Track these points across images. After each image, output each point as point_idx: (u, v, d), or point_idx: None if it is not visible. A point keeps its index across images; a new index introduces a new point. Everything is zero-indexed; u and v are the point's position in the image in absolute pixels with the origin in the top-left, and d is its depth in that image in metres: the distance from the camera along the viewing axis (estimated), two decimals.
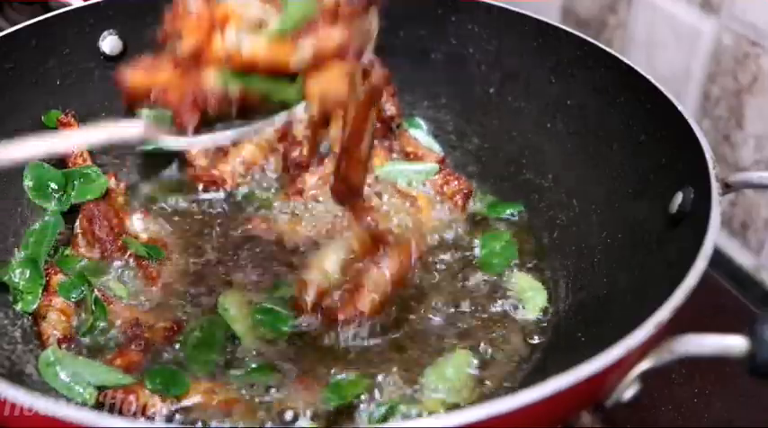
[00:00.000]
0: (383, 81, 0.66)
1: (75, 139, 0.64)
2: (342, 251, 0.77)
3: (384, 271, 0.75)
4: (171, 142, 0.61)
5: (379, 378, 0.70)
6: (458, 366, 0.72)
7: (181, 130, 0.60)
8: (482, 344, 0.75)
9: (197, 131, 0.60)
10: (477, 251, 0.87)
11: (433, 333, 0.76)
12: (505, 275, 0.84)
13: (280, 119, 0.63)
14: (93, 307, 0.75)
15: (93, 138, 0.61)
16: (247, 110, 0.62)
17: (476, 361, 0.73)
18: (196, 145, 0.64)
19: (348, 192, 0.72)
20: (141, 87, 0.60)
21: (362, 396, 0.68)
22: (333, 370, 0.71)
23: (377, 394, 0.69)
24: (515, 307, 0.80)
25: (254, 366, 0.72)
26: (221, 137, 0.63)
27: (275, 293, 0.79)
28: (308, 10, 0.60)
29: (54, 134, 0.64)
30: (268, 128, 0.64)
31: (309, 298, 0.75)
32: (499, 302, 0.81)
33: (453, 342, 0.76)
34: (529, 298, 0.81)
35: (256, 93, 0.60)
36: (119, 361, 0.71)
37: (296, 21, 0.59)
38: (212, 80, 0.59)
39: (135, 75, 0.60)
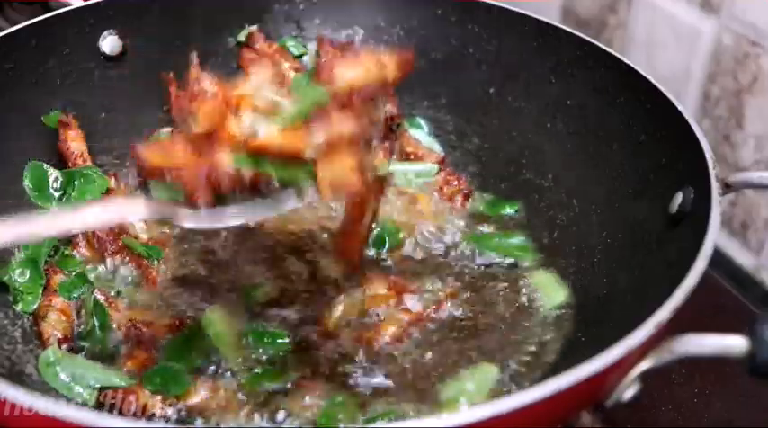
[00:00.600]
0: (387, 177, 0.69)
1: (77, 221, 0.64)
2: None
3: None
4: (187, 224, 0.64)
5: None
6: (480, 380, 0.70)
7: (193, 206, 0.62)
8: (500, 354, 0.75)
9: (208, 207, 0.62)
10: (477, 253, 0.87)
11: (444, 339, 0.76)
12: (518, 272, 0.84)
13: (291, 204, 0.65)
14: (92, 309, 0.75)
15: (97, 219, 0.63)
16: (259, 188, 0.64)
17: (498, 376, 0.71)
18: (208, 226, 0.66)
19: (346, 265, 0.74)
20: (157, 162, 0.62)
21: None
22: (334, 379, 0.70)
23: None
24: (531, 303, 0.80)
25: (257, 371, 0.71)
26: (233, 221, 0.65)
27: (253, 292, 0.79)
28: (321, 97, 0.62)
29: (58, 215, 0.66)
30: (278, 211, 0.66)
31: (335, 315, 0.76)
32: (509, 302, 0.80)
33: (467, 350, 0.74)
34: (547, 292, 0.81)
35: (268, 175, 0.63)
36: (130, 364, 0.71)
37: (309, 109, 0.61)
38: (226, 162, 0.61)
39: (152, 155, 0.63)
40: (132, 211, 0.65)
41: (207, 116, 0.61)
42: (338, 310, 0.76)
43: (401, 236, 0.87)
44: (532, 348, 0.75)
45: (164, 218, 0.65)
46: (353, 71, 0.63)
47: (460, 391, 0.69)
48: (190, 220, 0.64)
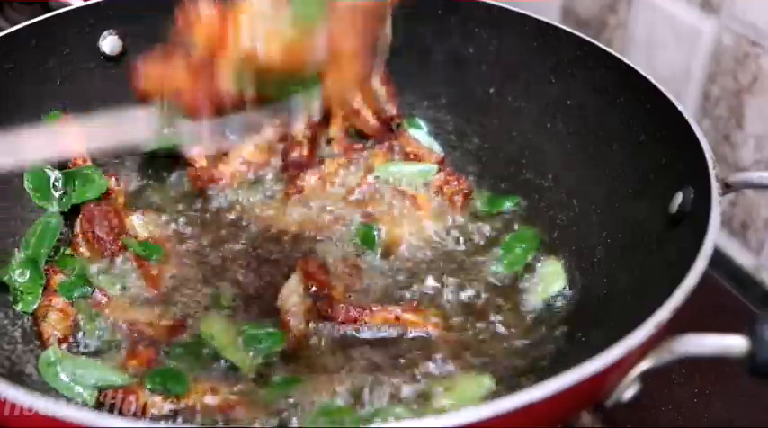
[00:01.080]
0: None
1: (83, 138, 0.63)
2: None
3: None
4: (182, 139, 0.63)
5: (376, 392, 0.70)
6: (473, 389, 0.70)
7: (193, 119, 0.60)
8: (484, 352, 0.75)
9: (210, 119, 0.60)
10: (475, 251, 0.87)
11: (434, 340, 0.76)
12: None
13: (293, 105, 0.63)
14: (91, 311, 0.76)
15: (103, 132, 0.62)
16: (261, 100, 0.62)
17: (493, 386, 0.70)
18: (212, 135, 0.63)
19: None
20: (155, 79, 0.61)
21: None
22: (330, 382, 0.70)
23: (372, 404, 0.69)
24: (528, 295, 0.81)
25: (277, 379, 0.71)
26: (233, 124, 0.62)
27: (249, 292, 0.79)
28: (321, 7, 0.59)
29: (60, 132, 0.64)
30: (280, 115, 0.64)
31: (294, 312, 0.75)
32: (507, 302, 0.80)
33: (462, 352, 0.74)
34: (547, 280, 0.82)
35: (270, 84, 0.61)
36: (134, 363, 0.71)
37: (311, 17, 0.59)
38: (226, 72, 0.59)
39: (149, 67, 0.61)
40: (140, 124, 0.62)
41: (206, 40, 0.60)
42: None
43: (397, 235, 0.87)
44: (528, 346, 0.75)
45: (169, 131, 0.63)
46: None
47: (454, 401, 0.69)
48: (193, 137, 0.63)
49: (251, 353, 0.72)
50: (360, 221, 0.89)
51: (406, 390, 0.70)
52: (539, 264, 0.84)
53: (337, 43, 0.59)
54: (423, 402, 0.68)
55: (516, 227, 0.90)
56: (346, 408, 0.67)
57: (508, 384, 0.71)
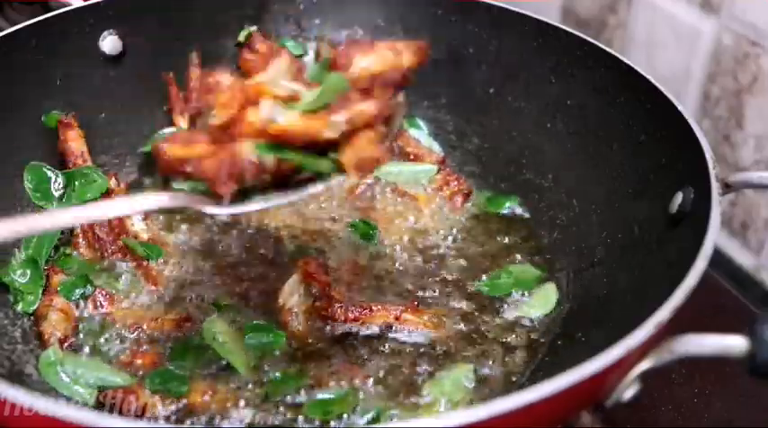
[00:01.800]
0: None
1: (98, 212, 0.64)
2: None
3: None
4: (211, 211, 0.63)
5: (373, 389, 0.70)
6: (456, 380, 0.71)
7: (218, 199, 0.61)
8: (483, 352, 0.75)
9: (233, 200, 0.62)
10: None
11: (429, 340, 0.76)
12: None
13: (315, 190, 0.65)
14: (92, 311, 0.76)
15: (123, 210, 0.64)
16: (282, 179, 0.64)
17: (472, 375, 0.71)
18: (233, 213, 0.65)
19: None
20: (178, 159, 0.61)
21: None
22: (321, 381, 0.70)
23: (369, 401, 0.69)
24: (520, 306, 0.80)
25: (278, 375, 0.71)
26: (257, 206, 0.64)
27: (251, 292, 0.79)
28: (341, 83, 0.62)
29: (81, 208, 0.66)
30: (303, 197, 0.66)
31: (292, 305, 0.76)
32: (504, 306, 0.80)
33: (453, 350, 0.75)
34: (538, 295, 0.81)
35: (291, 165, 0.62)
36: (139, 362, 0.71)
37: (330, 96, 0.61)
38: (248, 151, 0.60)
39: (172, 148, 0.62)
40: (158, 202, 0.63)
41: (226, 105, 0.61)
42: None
43: (397, 235, 0.87)
44: (528, 346, 0.75)
45: (188, 207, 0.64)
46: (370, 58, 0.63)
47: (440, 392, 0.69)
48: (214, 209, 0.64)
49: (251, 355, 0.72)
50: (359, 221, 0.89)
51: (406, 390, 0.70)
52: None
53: (356, 126, 0.61)
54: (413, 397, 0.69)
55: (519, 257, 0.87)
56: (341, 401, 0.68)
57: (508, 384, 0.72)
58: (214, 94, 0.62)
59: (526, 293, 0.81)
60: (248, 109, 0.61)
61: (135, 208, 0.65)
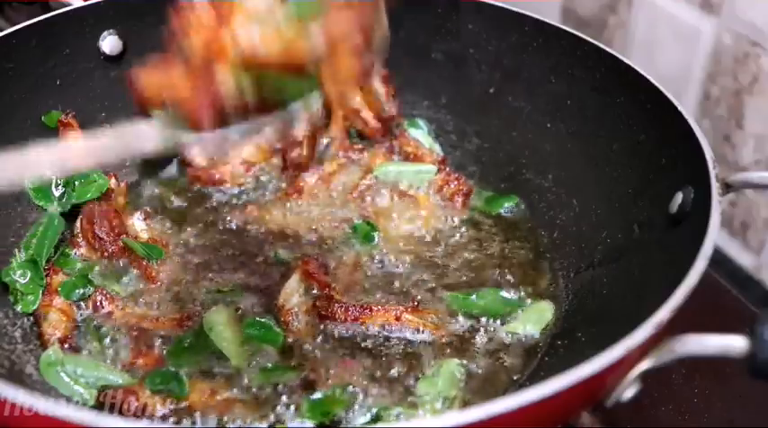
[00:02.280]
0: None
1: (87, 150, 0.62)
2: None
3: None
4: (190, 139, 0.60)
5: (373, 389, 0.70)
6: (447, 376, 0.71)
7: (196, 129, 0.59)
8: (484, 352, 0.75)
9: (213, 129, 0.59)
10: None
11: (429, 340, 0.76)
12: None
13: (294, 110, 0.62)
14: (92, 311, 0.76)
15: (107, 147, 0.61)
16: (263, 106, 0.61)
17: (462, 368, 0.72)
18: (214, 143, 0.63)
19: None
20: (154, 87, 0.60)
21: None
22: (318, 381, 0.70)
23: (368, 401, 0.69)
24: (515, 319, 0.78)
25: (269, 365, 0.71)
26: (235, 131, 0.62)
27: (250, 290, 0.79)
28: (317, 4, 0.59)
29: (64, 144, 0.63)
30: (283, 120, 0.63)
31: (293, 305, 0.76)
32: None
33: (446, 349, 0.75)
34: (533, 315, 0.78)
35: (270, 88, 0.60)
36: (141, 361, 0.71)
37: (308, 9, 0.58)
38: (226, 77, 0.58)
39: (148, 75, 0.60)
40: (143, 137, 0.61)
41: (199, 31, 0.59)
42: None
43: (397, 235, 0.87)
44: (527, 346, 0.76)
45: (172, 143, 0.61)
46: None
47: (435, 391, 0.69)
48: (197, 146, 0.62)
49: (248, 349, 0.73)
50: (360, 221, 0.89)
51: (406, 390, 0.70)
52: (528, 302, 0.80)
53: (334, 39, 0.58)
54: (412, 397, 0.69)
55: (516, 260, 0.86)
56: (339, 401, 0.68)
57: (508, 383, 0.72)
58: (193, 32, 0.60)
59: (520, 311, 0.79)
60: (223, 32, 0.58)
61: (121, 146, 0.61)
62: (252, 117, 0.61)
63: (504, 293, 0.80)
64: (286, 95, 0.61)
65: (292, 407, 0.68)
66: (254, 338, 0.74)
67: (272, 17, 0.59)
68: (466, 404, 0.69)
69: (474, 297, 0.79)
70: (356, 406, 0.68)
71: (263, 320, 0.76)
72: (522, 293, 0.81)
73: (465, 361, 0.73)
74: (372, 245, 0.87)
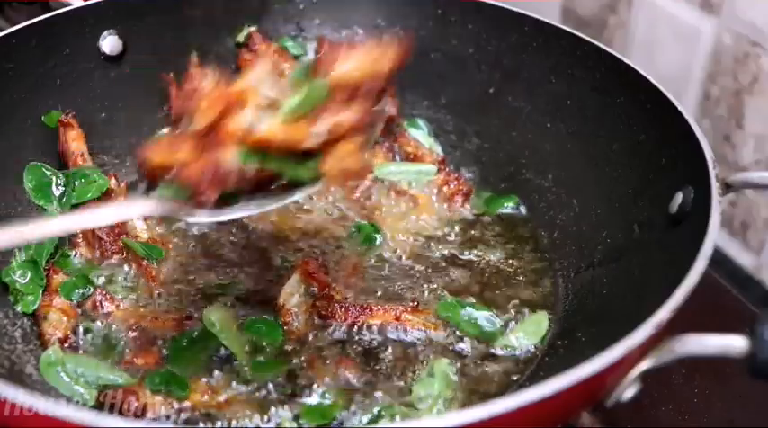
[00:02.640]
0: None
1: (84, 221, 0.66)
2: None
3: None
4: (194, 220, 0.64)
5: (373, 389, 0.70)
6: (442, 377, 0.70)
7: (200, 206, 0.62)
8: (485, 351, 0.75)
9: (216, 206, 0.62)
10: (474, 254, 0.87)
11: (429, 340, 0.76)
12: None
13: (298, 196, 0.66)
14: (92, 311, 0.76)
15: (104, 219, 0.65)
16: (263, 186, 0.64)
17: (454, 369, 0.71)
18: (215, 220, 0.67)
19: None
20: (161, 165, 0.62)
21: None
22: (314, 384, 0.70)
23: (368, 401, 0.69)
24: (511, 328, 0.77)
25: (261, 359, 0.72)
26: (239, 214, 0.65)
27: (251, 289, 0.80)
28: (321, 90, 0.63)
29: (69, 216, 0.69)
30: (286, 203, 0.67)
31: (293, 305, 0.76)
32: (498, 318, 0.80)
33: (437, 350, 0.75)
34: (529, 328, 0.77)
35: (272, 171, 0.63)
36: (141, 361, 0.71)
37: (311, 104, 0.62)
38: (230, 157, 0.61)
39: (155, 154, 0.63)
40: (142, 209, 0.65)
41: (206, 112, 0.61)
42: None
43: (397, 235, 0.87)
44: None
45: (172, 215, 0.65)
46: (351, 64, 0.63)
47: (434, 392, 0.69)
48: (197, 216, 0.64)
49: (248, 342, 0.73)
50: (360, 221, 0.89)
51: (406, 390, 0.70)
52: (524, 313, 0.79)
53: (339, 133, 0.62)
54: (410, 397, 0.69)
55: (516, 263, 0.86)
56: (334, 405, 0.68)
57: (508, 384, 0.72)
58: (196, 99, 0.62)
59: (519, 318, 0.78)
60: (230, 117, 0.61)
61: (120, 216, 0.66)
62: (252, 199, 0.65)
63: (489, 318, 0.77)
64: (287, 169, 0.64)
65: (291, 408, 0.68)
66: (255, 334, 0.74)
67: (277, 106, 0.62)
68: (465, 404, 0.69)
69: (463, 312, 0.77)
70: (356, 407, 0.68)
71: (261, 318, 0.76)
72: (512, 312, 0.79)
73: (464, 361, 0.73)
74: (372, 245, 0.87)
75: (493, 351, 0.75)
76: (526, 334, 0.76)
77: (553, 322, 0.78)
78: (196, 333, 0.74)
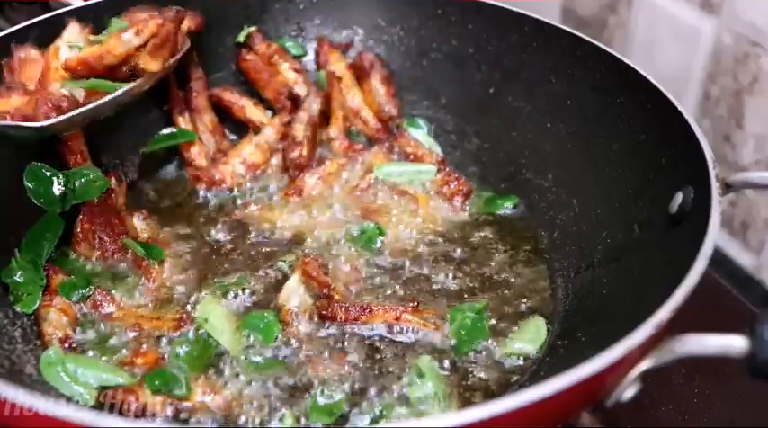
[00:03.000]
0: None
1: None
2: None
3: None
4: (42, 124, 0.76)
5: (374, 389, 0.70)
6: (430, 374, 0.70)
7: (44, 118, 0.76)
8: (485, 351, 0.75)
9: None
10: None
11: (429, 340, 0.76)
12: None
13: (122, 91, 0.81)
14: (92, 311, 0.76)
15: None
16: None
17: (436, 364, 0.72)
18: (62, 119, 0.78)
19: None
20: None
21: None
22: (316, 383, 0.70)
23: (368, 401, 0.69)
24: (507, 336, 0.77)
25: (258, 360, 0.72)
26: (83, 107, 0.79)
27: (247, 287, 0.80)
28: (124, 24, 0.82)
29: None
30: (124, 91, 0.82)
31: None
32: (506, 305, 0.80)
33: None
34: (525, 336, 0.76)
35: (98, 90, 0.80)
36: (141, 361, 0.71)
37: (118, 29, 0.81)
38: (57, 88, 0.78)
39: None
40: None
41: (32, 79, 0.80)
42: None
43: (397, 235, 0.87)
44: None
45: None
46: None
47: (426, 391, 0.69)
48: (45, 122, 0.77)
49: (243, 339, 0.73)
50: (361, 222, 0.89)
51: (404, 389, 0.70)
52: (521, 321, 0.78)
53: (142, 26, 0.80)
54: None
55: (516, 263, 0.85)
56: (338, 404, 0.68)
57: (508, 383, 0.72)
58: (21, 71, 0.79)
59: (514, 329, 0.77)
60: (50, 55, 0.79)
61: None
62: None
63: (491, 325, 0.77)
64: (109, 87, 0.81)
65: (292, 407, 0.68)
66: (252, 329, 0.74)
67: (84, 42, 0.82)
68: (466, 404, 0.69)
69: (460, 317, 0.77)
70: (357, 407, 0.68)
71: (260, 312, 0.76)
72: (510, 314, 0.79)
73: (464, 361, 0.73)
74: (372, 246, 0.86)
75: (495, 359, 0.74)
76: (525, 341, 0.75)
77: (552, 324, 0.78)
78: (196, 333, 0.74)
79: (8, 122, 0.76)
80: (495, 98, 0.98)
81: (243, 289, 0.80)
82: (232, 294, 0.79)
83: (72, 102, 0.78)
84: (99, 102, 0.80)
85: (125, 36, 0.79)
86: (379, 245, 0.87)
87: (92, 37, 0.83)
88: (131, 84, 0.82)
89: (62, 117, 0.77)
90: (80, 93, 0.80)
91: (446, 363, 0.73)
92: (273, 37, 1.04)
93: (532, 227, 0.90)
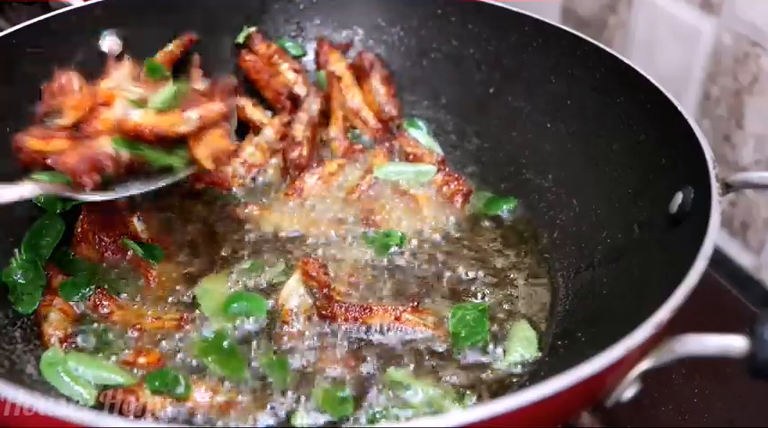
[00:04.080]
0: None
1: None
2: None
3: None
4: (79, 197, 0.73)
5: (374, 389, 0.70)
6: (415, 382, 0.70)
7: (81, 187, 0.70)
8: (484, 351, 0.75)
9: (95, 189, 0.71)
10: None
11: (429, 340, 0.76)
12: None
13: (172, 179, 0.77)
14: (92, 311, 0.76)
15: None
16: (137, 172, 0.75)
17: (410, 369, 0.72)
18: (99, 199, 0.76)
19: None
20: (38, 152, 0.70)
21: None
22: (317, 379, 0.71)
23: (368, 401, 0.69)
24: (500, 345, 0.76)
25: (268, 364, 0.71)
26: (118, 194, 0.76)
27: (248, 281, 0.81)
28: (181, 91, 0.76)
29: None
30: (164, 184, 0.78)
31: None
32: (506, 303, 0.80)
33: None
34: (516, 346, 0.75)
35: (143, 159, 0.74)
36: (142, 360, 0.71)
37: (181, 95, 0.76)
38: (105, 145, 0.71)
39: (32, 142, 0.70)
40: (21, 191, 0.70)
41: (73, 110, 0.71)
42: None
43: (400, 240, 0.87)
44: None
45: (53, 194, 0.74)
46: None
47: (421, 398, 0.69)
48: (81, 196, 0.72)
49: (236, 322, 0.75)
50: (362, 227, 0.88)
51: (405, 389, 0.70)
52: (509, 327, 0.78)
53: (210, 109, 0.75)
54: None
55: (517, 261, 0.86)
56: (346, 399, 0.68)
57: (508, 383, 0.72)
58: (62, 98, 0.72)
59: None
60: (102, 108, 0.72)
61: (4, 200, 0.70)
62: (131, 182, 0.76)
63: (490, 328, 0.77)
64: (156, 161, 0.75)
65: (292, 408, 0.68)
66: (240, 302, 0.77)
67: (147, 100, 0.74)
68: (466, 403, 0.69)
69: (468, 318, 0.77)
70: (356, 407, 0.68)
71: (248, 292, 0.79)
72: (505, 317, 0.79)
73: (464, 361, 0.73)
74: (372, 246, 0.86)
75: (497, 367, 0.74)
76: (519, 351, 0.74)
77: (552, 324, 0.78)
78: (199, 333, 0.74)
79: (49, 189, 0.72)
80: (495, 98, 0.98)
81: (243, 291, 0.80)
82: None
83: (116, 164, 0.72)
84: (144, 189, 0.77)
85: (191, 116, 0.74)
86: (378, 244, 0.86)
87: (139, 88, 0.76)
88: (178, 176, 0.78)
89: (106, 197, 0.74)
90: (125, 157, 0.73)
91: (446, 363, 0.73)
92: (273, 37, 1.04)
93: (532, 227, 0.90)
